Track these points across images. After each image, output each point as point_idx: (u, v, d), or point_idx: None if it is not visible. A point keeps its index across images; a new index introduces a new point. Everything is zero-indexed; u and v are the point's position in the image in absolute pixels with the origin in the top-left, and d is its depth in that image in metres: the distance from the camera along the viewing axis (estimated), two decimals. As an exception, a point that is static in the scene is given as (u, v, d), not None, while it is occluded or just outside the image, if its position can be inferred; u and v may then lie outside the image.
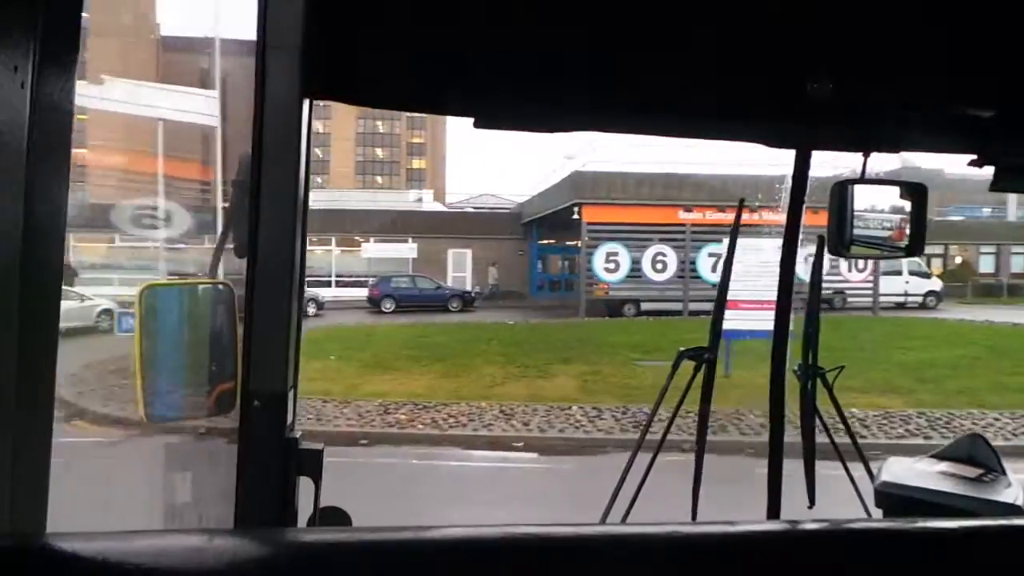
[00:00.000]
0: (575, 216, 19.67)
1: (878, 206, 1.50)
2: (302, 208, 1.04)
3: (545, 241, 26.56)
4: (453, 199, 41.10)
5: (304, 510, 1.11)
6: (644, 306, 19.38)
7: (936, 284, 23.98)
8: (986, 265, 29.03)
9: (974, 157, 1.38)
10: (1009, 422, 8.27)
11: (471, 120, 1.18)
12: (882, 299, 21.82)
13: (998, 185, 1.44)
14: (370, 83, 1.15)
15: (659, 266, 19.01)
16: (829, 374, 1.78)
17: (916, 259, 24.69)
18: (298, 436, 1.05)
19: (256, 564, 0.73)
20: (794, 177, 1.55)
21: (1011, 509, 1.47)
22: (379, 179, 66.89)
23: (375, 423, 8.83)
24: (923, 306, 23.00)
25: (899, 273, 23.09)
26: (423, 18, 1.08)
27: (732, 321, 10.92)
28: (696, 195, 19.37)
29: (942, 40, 1.17)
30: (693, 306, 17.32)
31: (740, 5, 1.13)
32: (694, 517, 1.83)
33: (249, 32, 0.98)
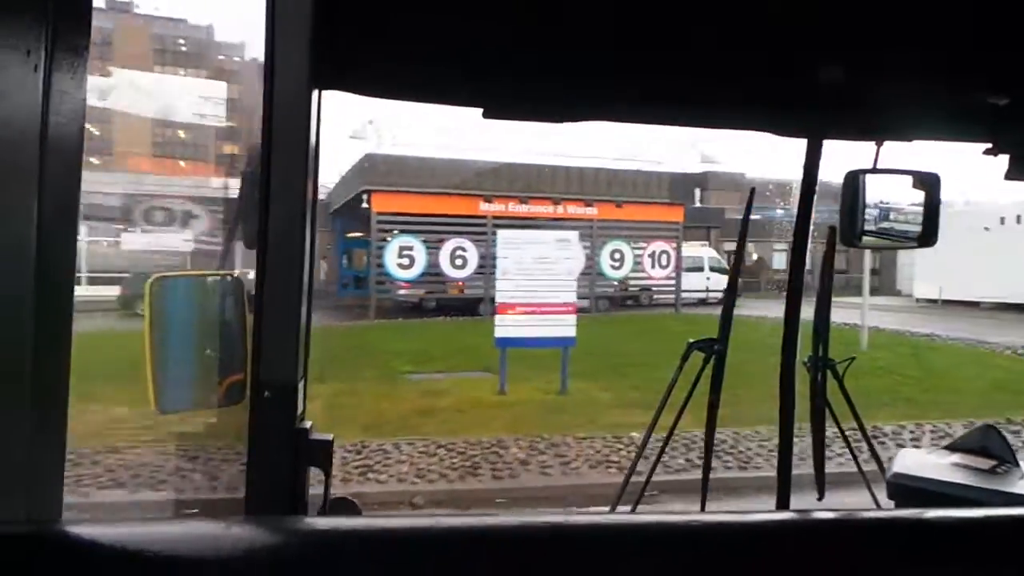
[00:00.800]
0: (365, 205, 17.48)
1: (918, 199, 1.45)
2: (312, 199, 1.02)
3: (352, 234, 24.09)
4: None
5: (314, 501, 1.08)
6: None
7: (734, 280, 24.65)
8: (779, 262, 30.85)
9: (989, 146, 1.37)
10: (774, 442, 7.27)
11: (480, 110, 1.16)
12: (685, 295, 21.90)
13: (1013, 174, 1.39)
14: (379, 74, 1.16)
15: (459, 261, 17.30)
16: (840, 365, 1.76)
17: (717, 256, 25.41)
18: (308, 427, 1.04)
19: (270, 551, 0.75)
20: (805, 168, 1.50)
21: None
22: (182, 163, 60.14)
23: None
24: (723, 301, 23.47)
25: (701, 269, 23.48)
26: (432, 8, 1.07)
27: (507, 327, 9.35)
28: (498, 184, 17.98)
29: (956, 28, 1.12)
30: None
31: None
32: (703, 509, 1.90)
33: (258, 23, 0.98)
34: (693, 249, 24.19)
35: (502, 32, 1.11)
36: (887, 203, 1.45)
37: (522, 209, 17.92)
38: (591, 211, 18.59)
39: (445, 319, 16.85)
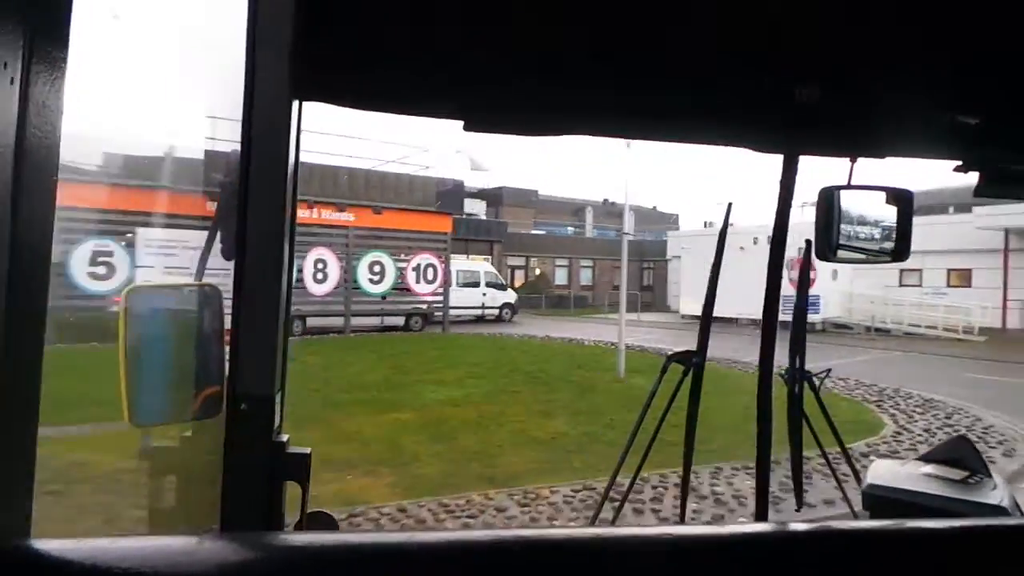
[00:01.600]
0: (42, 198, 13.75)
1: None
2: (291, 210, 1.02)
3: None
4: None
5: (291, 515, 1.08)
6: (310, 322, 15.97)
7: (511, 296, 23.93)
8: (561, 277, 30.96)
9: (959, 163, 1.41)
10: (548, 506, 5.64)
11: (461, 123, 1.18)
12: (463, 312, 20.56)
13: (982, 191, 1.44)
14: (360, 85, 1.18)
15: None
16: (816, 377, 1.82)
17: (494, 271, 24.45)
18: (285, 440, 1.03)
19: (243, 567, 0.75)
20: (781, 183, 1.52)
21: (996, 511, 1.51)
22: None
23: None
24: (499, 319, 22.58)
25: (477, 285, 22.37)
26: (414, 20, 1.09)
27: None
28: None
29: (929, 47, 1.18)
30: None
31: (729, 11, 1.12)
32: (682, 520, 2.16)
33: (239, 31, 0.94)
34: (472, 263, 23.03)
35: (484, 46, 1.12)
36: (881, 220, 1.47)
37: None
38: (346, 217, 16.43)
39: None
